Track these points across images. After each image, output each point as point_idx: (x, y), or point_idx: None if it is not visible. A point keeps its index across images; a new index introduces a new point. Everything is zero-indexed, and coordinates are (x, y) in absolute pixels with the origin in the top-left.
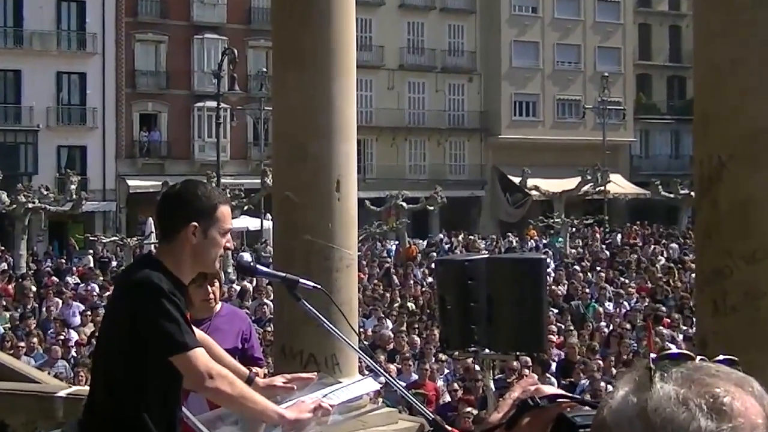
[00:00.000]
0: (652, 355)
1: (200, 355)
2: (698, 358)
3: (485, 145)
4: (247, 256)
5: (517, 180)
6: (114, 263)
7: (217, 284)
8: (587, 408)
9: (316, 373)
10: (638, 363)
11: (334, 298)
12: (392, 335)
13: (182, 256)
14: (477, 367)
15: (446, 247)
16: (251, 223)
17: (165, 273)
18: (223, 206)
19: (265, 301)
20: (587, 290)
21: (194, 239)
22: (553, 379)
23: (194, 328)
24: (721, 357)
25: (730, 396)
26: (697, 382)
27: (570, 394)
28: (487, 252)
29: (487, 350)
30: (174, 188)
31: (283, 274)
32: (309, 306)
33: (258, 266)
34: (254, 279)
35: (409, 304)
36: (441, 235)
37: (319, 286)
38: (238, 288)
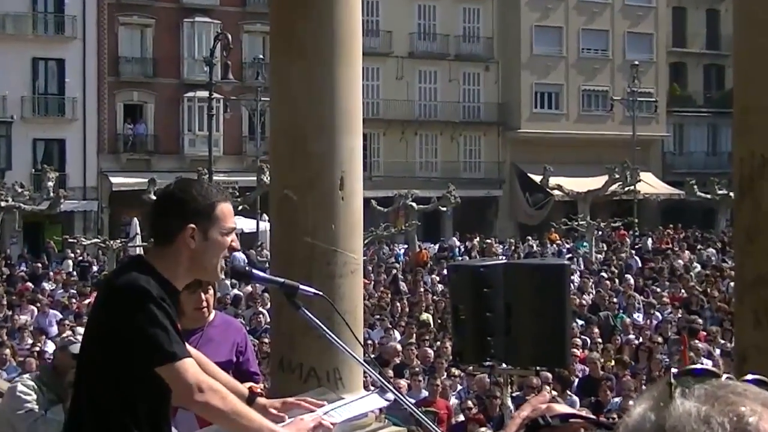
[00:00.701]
0: (674, 370)
1: (190, 366)
2: (724, 376)
3: (503, 139)
4: (240, 256)
5: (537, 178)
6: (95, 268)
7: (211, 291)
8: (603, 429)
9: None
10: (659, 379)
11: (337, 306)
12: (401, 348)
13: (179, 260)
14: (493, 384)
15: (460, 251)
16: (246, 225)
17: (155, 277)
18: (223, 204)
19: (261, 309)
20: (614, 300)
21: (193, 243)
22: (575, 398)
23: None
24: (749, 377)
25: (757, 416)
26: (722, 399)
27: (584, 414)
28: (504, 257)
29: (504, 365)
30: (167, 189)
31: (282, 280)
32: (310, 315)
33: (254, 271)
34: (249, 285)
35: (419, 314)
36: (454, 239)
37: (321, 293)
38: (239, 294)
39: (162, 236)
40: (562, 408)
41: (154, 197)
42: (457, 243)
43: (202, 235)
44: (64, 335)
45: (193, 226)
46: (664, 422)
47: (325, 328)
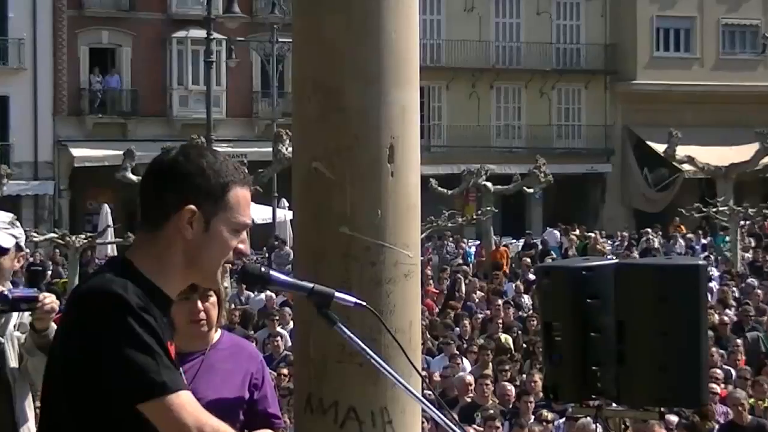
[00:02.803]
0: None
1: (186, 401)
2: None
3: (612, 95)
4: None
5: (660, 148)
6: (50, 273)
7: (214, 299)
8: None
9: None
10: None
11: (386, 322)
12: (472, 381)
13: (170, 255)
14: (600, 430)
15: (554, 248)
16: (259, 213)
17: (137, 280)
18: (240, 188)
19: (279, 330)
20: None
21: (190, 231)
22: None
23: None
24: None
25: None
26: None
27: None
28: (615, 256)
29: (615, 404)
30: (167, 155)
31: (311, 285)
32: (349, 333)
33: (273, 272)
34: (263, 293)
35: (496, 336)
36: (549, 232)
37: (364, 304)
38: (249, 309)
39: (149, 219)
40: None
41: (133, 175)
42: (550, 237)
43: (203, 223)
44: None
45: (193, 208)
46: None
47: (370, 352)
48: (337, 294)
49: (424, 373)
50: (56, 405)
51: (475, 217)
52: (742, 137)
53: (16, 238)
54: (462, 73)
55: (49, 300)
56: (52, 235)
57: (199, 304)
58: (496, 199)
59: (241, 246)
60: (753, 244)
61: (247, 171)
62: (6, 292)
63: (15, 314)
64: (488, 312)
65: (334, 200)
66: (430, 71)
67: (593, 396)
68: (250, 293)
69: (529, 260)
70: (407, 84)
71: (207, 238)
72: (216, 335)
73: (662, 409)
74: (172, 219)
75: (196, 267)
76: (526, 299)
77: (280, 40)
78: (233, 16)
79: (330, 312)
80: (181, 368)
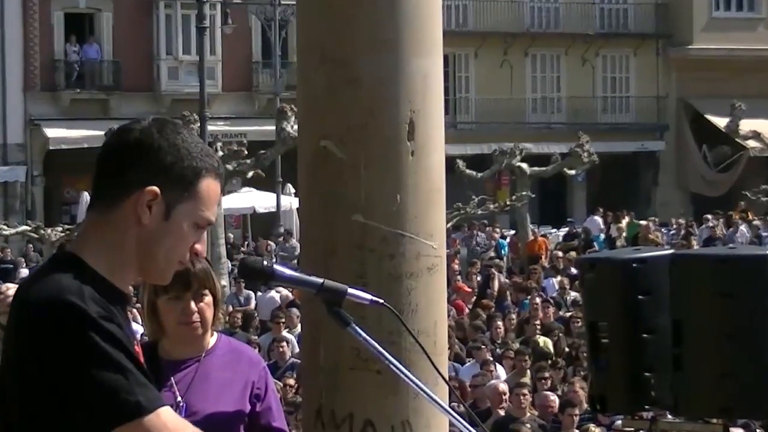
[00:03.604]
0: None
1: (168, 419)
2: None
3: (665, 62)
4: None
5: (721, 122)
6: (24, 271)
7: (209, 298)
8: None
9: None
10: None
11: (407, 322)
12: (506, 390)
13: (123, 241)
14: None
15: (599, 237)
16: (261, 201)
17: (90, 280)
18: (213, 179)
19: (285, 334)
20: None
21: (147, 215)
22: None
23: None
24: None
25: None
26: None
27: None
28: (670, 246)
29: (671, 416)
30: (137, 124)
31: (320, 281)
32: (365, 335)
33: (277, 268)
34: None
35: (534, 338)
36: (589, 220)
37: (382, 302)
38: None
39: (104, 198)
40: None
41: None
42: (594, 224)
43: (164, 210)
44: None
45: (155, 189)
46: None
47: (389, 357)
48: (350, 291)
49: (452, 381)
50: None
51: (508, 203)
52: None
53: None
54: (492, 38)
55: (12, 292)
56: (25, 228)
57: (192, 304)
58: (533, 182)
59: (198, 246)
60: None
61: (237, 149)
62: None
63: None
64: (524, 311)
65: (347, 185)
66: (455, 36)
67: (646, 407)
68: (250, 292)
69: (572, 252)
70: (429, 51)
71: (165, 227)
72: (212, 339)
73: (725, 420)
74: (131, 199)
75: (147, 258)
76: (571, 296)
77: (282, 2)
78: None
79: (343, 311)
80: (172, 378)
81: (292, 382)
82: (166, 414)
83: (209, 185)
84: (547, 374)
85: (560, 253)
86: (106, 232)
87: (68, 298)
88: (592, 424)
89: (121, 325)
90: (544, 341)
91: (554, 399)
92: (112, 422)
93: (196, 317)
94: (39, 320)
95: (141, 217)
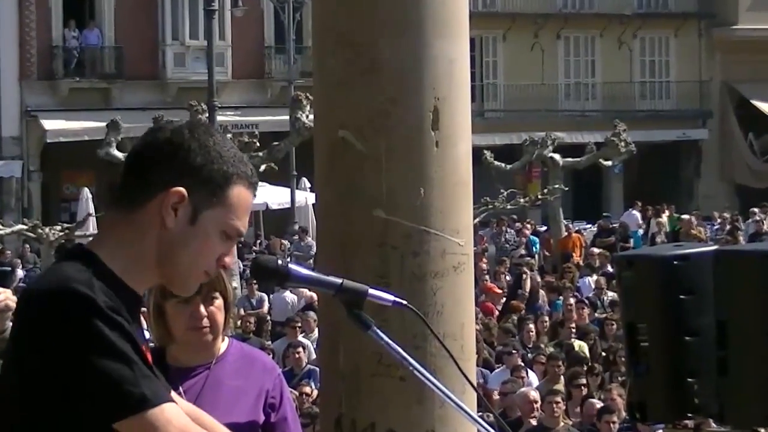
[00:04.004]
0: None
1: (173, 415)
2: None
3: (708, 44)
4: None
5: None
6: (21, 273)
7: (219, 302)
8: None
9: None
10: None
11: (432, 324)
12: (538, 398)
13: (143, 242)
14: None
15: (637, 233)
16: (275, 196)
17: (102, 274)
18: (246, 187)
19: (302, 339)
20: None
21: (172, 217)
22: None
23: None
24: None
25: None
26: None
27: None
28: (715, 242)
29: (715, 424)
30: (168, 125)
31: (339, 281)
32: (387, 339)
33: (293, 267)
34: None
35: (568, 342)
36: (630, 213)
37: (406, 303)
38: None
39: (126, 197)
40: None
41: (118, 152)
42: (632, 219)
43: (190, 213)
44: None
45: (182, 190)
46: None
47: (413, 362)
48: (371, 291)
49: (480, 389)
50: (9, 428)
51: (540, 197)
52: None
53: None
54: (522, 19)
55: (3, 297)
56: (21, 226)
57: (202, 308)
58: (566, 174)
59: (227, 259)
60: None
61: (248, 141)
62: None
63: None
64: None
65: (367, 178)
66: (482, 18)
67: (689, 414)
68: (263, 294)
69: (611, 249)
70: (454, 34)
71: (190, 233)
72: (223, 345)
73: None
74: (155, 200)
75: (169, 264)
76: (609, 296)
77: None
78: None
79: (363, 313)
80: (180, 387)
81: (309, 390)
82: (171, 410)
83: (240, 193)
84: (583, 381)
85: (596, 250)
86: (125, 232)
87: (75, 286)
88: None
89: (129, 320)
90: (579, 345)
91: (589, 406)
92: (114, 414)
93: (205, 322)
94: (43, 309)
95: (165, 220)
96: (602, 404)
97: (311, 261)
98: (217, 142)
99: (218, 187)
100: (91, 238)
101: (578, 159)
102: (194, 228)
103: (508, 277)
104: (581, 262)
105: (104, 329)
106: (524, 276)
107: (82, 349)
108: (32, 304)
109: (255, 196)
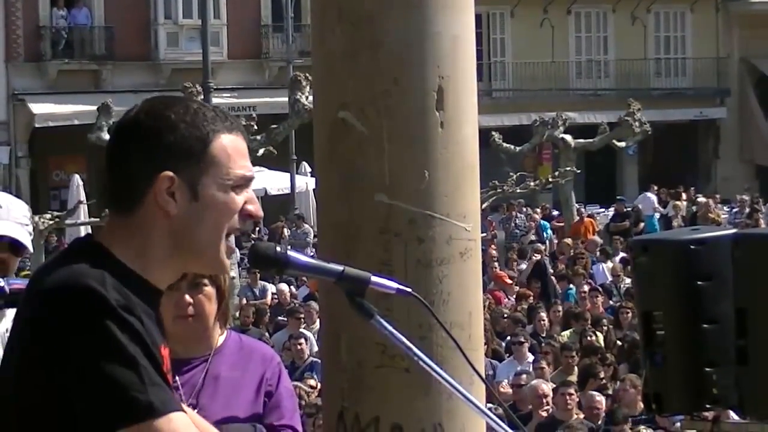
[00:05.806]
0: None
1: (181, 426)
2: None
3: (726, 19)
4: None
5: None
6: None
7: (208, 289)
8: None
9: None
10: None
11: (438, 313)
12: (549, 391)
13: (152, 240)
14: None
15: (653, 217)
16: (273, 181)
17: (116, 269)
18: (224, 135)
19: (303, 331)
20: None
21: (173, 205)
22: None
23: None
24: None
25: None
26: None
27: None
28: (734, 226)
29: (736, 416)
30: (128, 114)
31: (341, 268)
32: (390, 328)
33: (292, 254)
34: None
35: (584, 330)
36: (642, 197)
37: (410, 291)
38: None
39: (121, 198)
40: None
41: (109, 135)
42: (648, 202)
43: (188, 191)
44: None
45: (170, 174)
46: None
47: (418, 353)
48: (374, 279)
49: (489, 379)
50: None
51: (551, 180)
52: None
53: (30, 235)
54: None
55: None
56: None
57: (187, 296)
58: (578, 156)
59: (249, 207)
60: None
61: (246, 124)
62: (2, 284)
63: (11, 311)
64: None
65: (369, 161)
66: None
67: (707, 405)
68: (266, 283)
69: (625, 235)
70: (459, 9)
71: (199, 209)
72: (221, 337)
73: None
74: (148, 195)
75: (191, 249)
76: (625, 282)
77: None
78: None
79: (366, 302)
80: (177, 380)
81: (312, 383)
82: (178, 420)
83: (223, 143)
84: (598, 372)
85: (598, 240)
86: (133, 236)
87: (89, 283)
88: (643, 427)
89: (142, 318)
90: (595, 334)
91: (600, 400)
92: (117, 421)
93: (191, 310)
94: (49, 306)
95: (167, 208)
96: (603, 398)
97: (308, 249)
98: (177, 111)
99: (200, 152)
100: (100, 232)
101: (591, 140)
102: (199, 203)
103: (520, 265)
104: (593, 245)
105: (114, 330)
106: (544, 263)
107: (90, 351)
108: (42, 300)
109: (241, 133)
